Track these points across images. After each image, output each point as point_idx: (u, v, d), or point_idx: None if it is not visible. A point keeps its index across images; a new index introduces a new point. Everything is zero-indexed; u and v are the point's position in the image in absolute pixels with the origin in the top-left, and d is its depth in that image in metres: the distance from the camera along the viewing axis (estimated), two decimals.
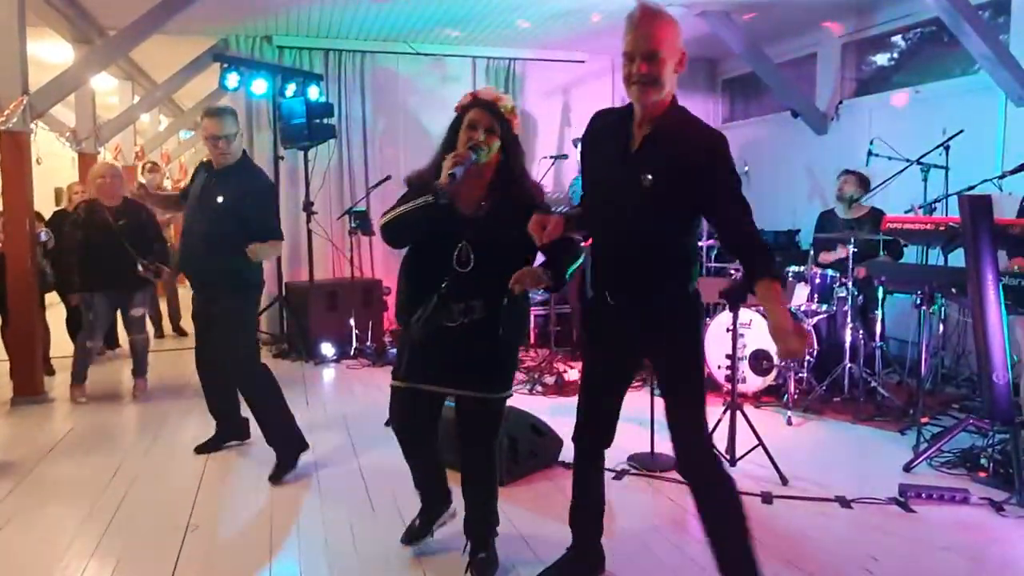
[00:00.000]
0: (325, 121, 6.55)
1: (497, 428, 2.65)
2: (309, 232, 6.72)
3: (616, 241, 2.27)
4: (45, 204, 5.94)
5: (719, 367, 5.09)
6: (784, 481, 3.51)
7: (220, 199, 3.55)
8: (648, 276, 2.22)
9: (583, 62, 8.01)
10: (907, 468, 3.69)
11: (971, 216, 3.51)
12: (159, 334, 7.68)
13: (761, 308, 4.91)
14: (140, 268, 4.96)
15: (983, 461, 3.60)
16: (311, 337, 6.45)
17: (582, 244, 2.62)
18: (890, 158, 5.20)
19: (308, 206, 6.63)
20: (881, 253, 5.01)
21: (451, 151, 2.41)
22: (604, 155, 2.28)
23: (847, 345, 4.75)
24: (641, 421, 3.82)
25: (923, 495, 3.33)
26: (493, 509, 2.71)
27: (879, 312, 4.94)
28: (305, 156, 6.69)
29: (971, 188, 4.32)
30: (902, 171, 5.07)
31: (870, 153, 5.28)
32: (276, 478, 3.57)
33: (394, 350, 5.51)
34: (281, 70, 6.68)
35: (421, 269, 2.52)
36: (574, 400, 5.43)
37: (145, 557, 2.87)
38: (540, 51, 7.80)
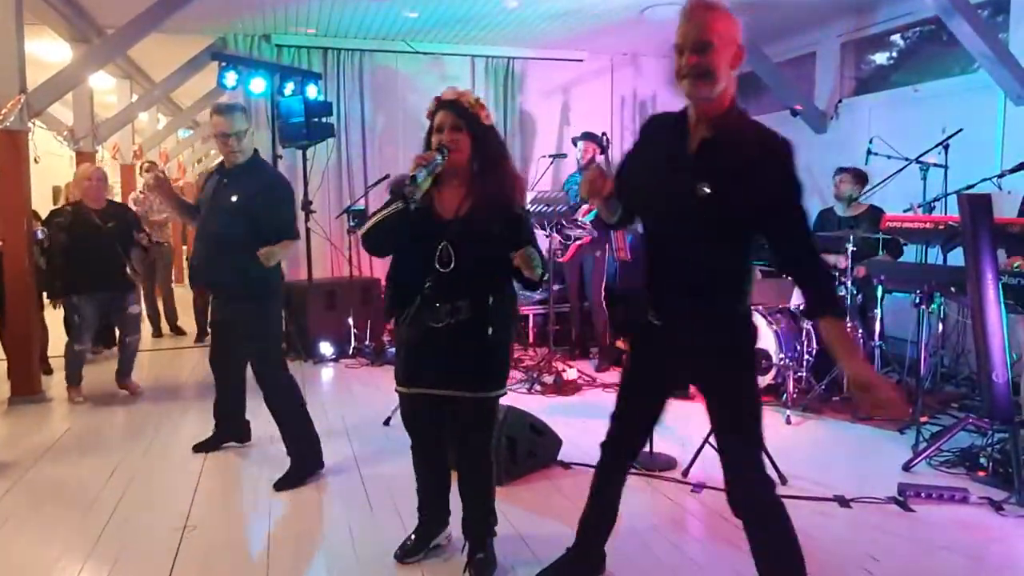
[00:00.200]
0: (324, 120, 6.54)
1: (491, 427, 2.64)
2: (308, 231, 6.71)
3: (665, 252, 2.13)
4: (43, 203, 5.93)
5: None
6: (783, 480, 3.50)
7: (234, 199, 3.44)
8: (697, 291, 2.06)
9: (582, 61, 8.01)
10: (906, 467, 3.69)
11: (970, 215, 3.51)
12: (157, 333, 7.67)
13: (760, 307, 4.92)
14: (129, 270, 4.98)
15: (982, 460, 3.60)
16: (309, 336, 6.44)
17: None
18: (889, 157, 5.19)
19: (307, 205, 6.62)
20: (880, 252, 5.01)
21: None
22: (657, 158, 2.12)
23: None
24: None
25: (922, 494, 3.33)
26: (491, 509, 2.71)
27: (878, 311, 4.94)
28: (304, 155, 6.68)
29: (970, 187, 4.31)
30: (901, 170, 5.07)
31: (869, 152, 5.28)
32: (281, 486, 3.48)
33: (392, 349, 5.50)
34: (280, 69, 6.67)
35: (405, 272, 2.54)
36: (573, 399, 5.46)
37: (142, 558, 2.86)
38: (539, 50, 7.79)
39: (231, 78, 6.29)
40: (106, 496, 3.44)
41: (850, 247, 4.75)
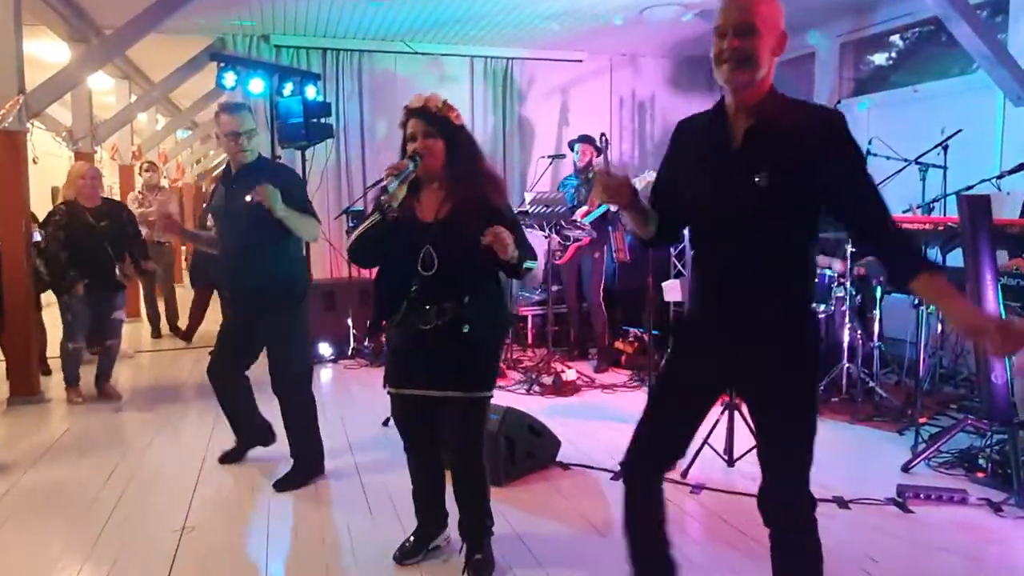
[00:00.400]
0: (322, 120, 6.53)
1: (481, 428, 2.64)
2: None
3: (727, 253, 1.91)
4: (41, 204, 5.92)
5: None
6: None
7: (248, 199, 3.28)
8: (764, 290, 1.88)
9: (581, 61, 8.00)
10: (905, 468, 3.69)
11: (970, 216, 3.51)
12: (156, 334, 7.67)
13: None
14: (119, 271, 4.97)
15: (981, 461, 3.59)
16: (308, 337, 6.42)
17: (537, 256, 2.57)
18: (888, 157, 5.19)
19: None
20: None
21: None
22: (699, 160, 1.96)
23: (845, 345, 4.74)
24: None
25: (921, 495, 3.32)
26: (487, 510, 2.70)
27: (877, 312, 4.94)
28: (302, 156, 6.67)
29: (969, 188, 4.31)
30: (900, 171, 5.06)
31: (868, 153, 5.27)
32: (282, 487, 3.49)
33: None
34: (278, 69, 6.66)
35: (391, 279, 2.56)
36: (571, 400, 5.44)
37: (141, 559, 2.85)
38: (538, 50, 7.79)
39: (230, 79, 6.28)
40: (105, 497, 3.44)
41: (849, 248, 4.74)
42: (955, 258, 4.08)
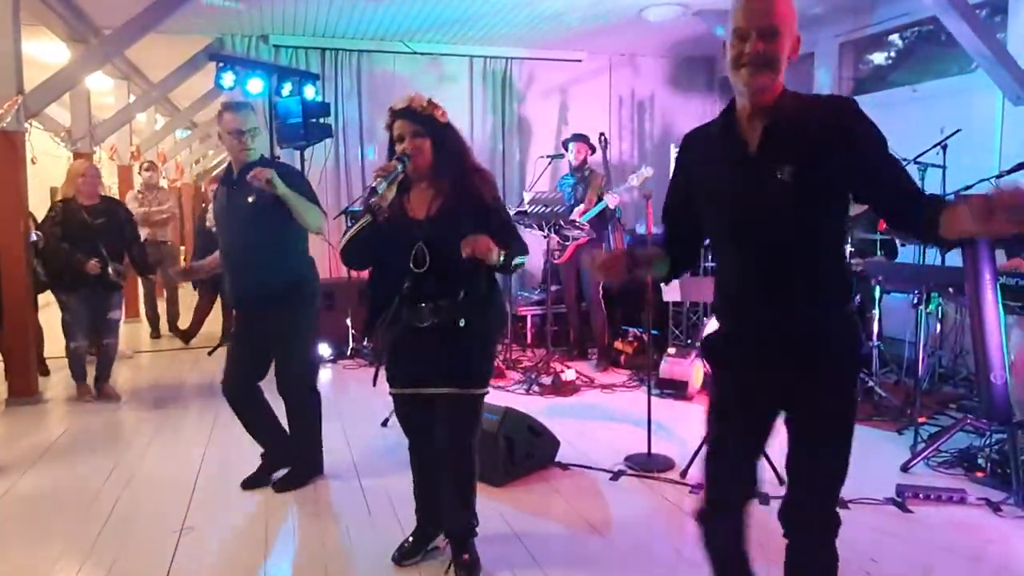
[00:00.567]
0: (321, 121, 6.53)
1: (474, 426, 2.63)
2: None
3: (756, 258, 1.81)
4: (40, 204, 5.91)
5: None
6: (782, 481, 3.47)
7: (251, 199, 3.26)
8: (801, 292, 1.79)
9: (580, 61, 8.00)
10: (904, 468, 3.68)
11: None
12: (156, 335, 7.68)
13: None
14: (111, 272, 4.95)
15: (980, 461, 3.59)
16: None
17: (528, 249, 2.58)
18: None
19: None
20: (878, 252, 5.00)
21: None
22: (716, 169, 1.87)
23: None
24: (637, 421, 3.82)
25: (920, 495, 3.32)
26: (472, 510, 2.70)
27: (876, 311, 4.94)
28: (301, 156, 6.66)
29: (968, 188, 4.31)
30: None
31: None
32: (281, 487, 3.49)
33: None
34: (277, 69, 6.65)
35: (384, 279, 2.57)
36: (571, 400, 5.45)
37: (140, 559, 2.85)
38: (537, 50, 7.79)
39: (228, 78, 6.27)
40: (104, 497, 3.43)
41: (848, 247, 4.74)
42: (954, 257, 4.07)
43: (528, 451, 3.66)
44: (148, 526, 3.14)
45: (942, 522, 3.12)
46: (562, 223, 5.75)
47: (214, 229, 4.01)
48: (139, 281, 7.58)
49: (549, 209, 5.68)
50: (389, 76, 7.53)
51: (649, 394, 3.87)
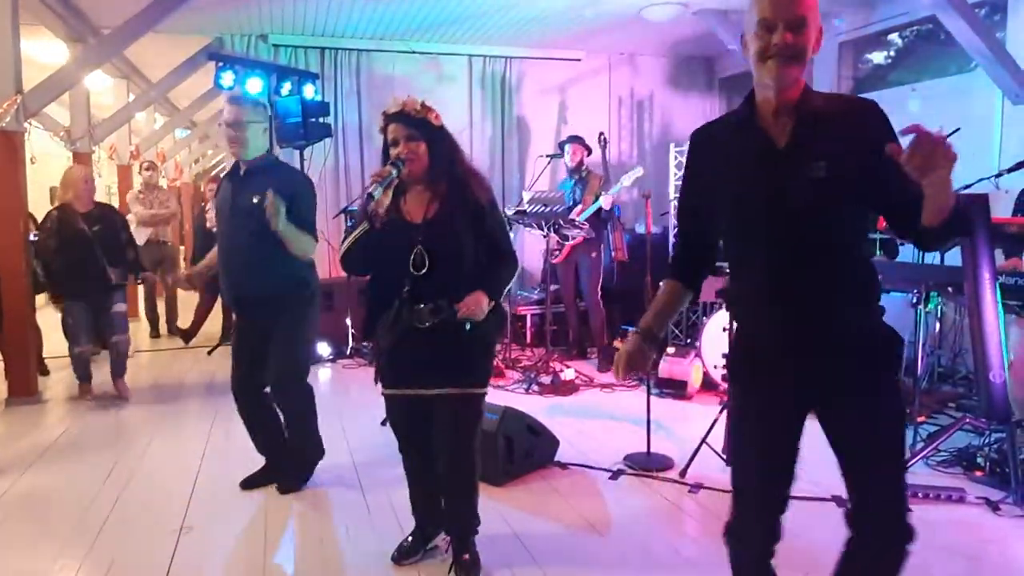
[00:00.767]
0: (321, 120, 6.53)
1: (474, 426, 2.63)
2: None
3: (782, 260, 1.75)
4: (39, 204, 5.91)
5: (715, 367, 5.09)
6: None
7: (255, 199, 3.17)
8: (832, 295, 1.74)
9: (579, 60, 8.00)
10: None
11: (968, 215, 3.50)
12: (155, 334, 7.68)
13: None
14: (114, 277, 4.97)
15: (979, 460, 3.59)
16: (310, 338, 6.42)
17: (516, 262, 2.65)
18: None
19: None
20: (878, 252, 5.00)
21: None
22: (739, 167, 1.79)
23: None
24: (636, 421, 3.82)
25: (919, 494, 3.32)
26: (473, 510, 2.70)
27: None
28: (300, 155, 6.66)
29: (968, 187, 4.31)
30: None
31: None
32: (284, 489, 3.47)
33: None
34: (276, 69, 6.65)
35: (383, 283, 2.57)
36: (570, 399, 5.44)
37: (139, 559, 2.85)
38: (536, 49, 7.79)
39: (228, 78, 6.27)
40: (103, 497, 3.43)
41: None
42: (954, 257, 4.07)
43: (527, 450, 3.66)
44: (147, 526, 3.14)
45: (941, 521, 3.12)
46: (561, 223, 5.75)
47: (215, 230, 3.99)
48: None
49: (548, 209, 5.69)
50: (388, 76, 7.54)
51: (648, 393, 3.87)
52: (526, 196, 6.05)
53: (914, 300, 4.40)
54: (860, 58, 7.04)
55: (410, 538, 2.82)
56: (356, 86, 7.46)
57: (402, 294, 2.49)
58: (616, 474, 3.67)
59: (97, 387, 5.26)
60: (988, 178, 4.38)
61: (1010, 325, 3.56)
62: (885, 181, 1.71)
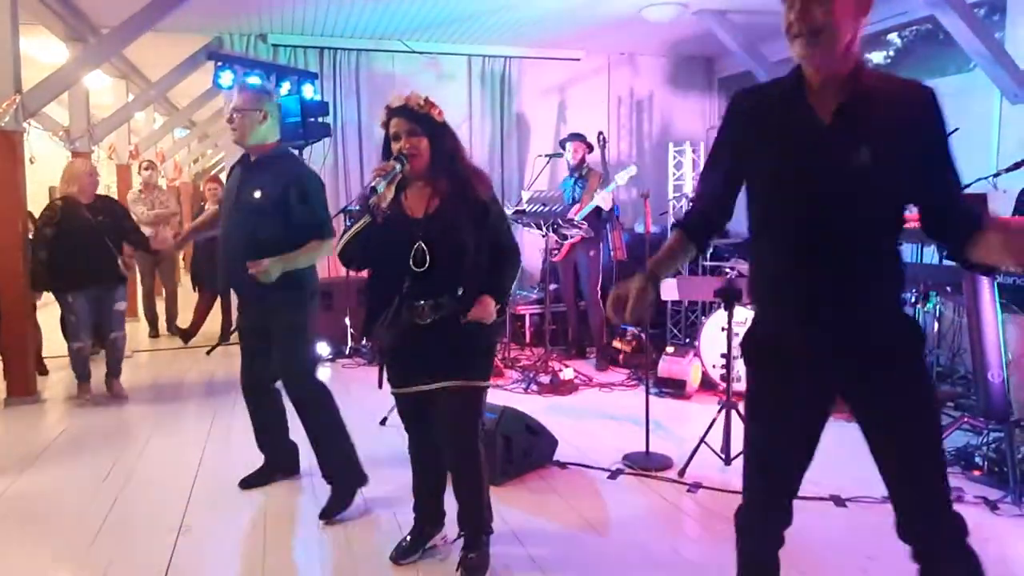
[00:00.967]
0: (320, 120, 6.53)
1: (476, 420, 2.63)
2: None
3: (810, 243, 1.68)
4: (39, 204, 5.90)
5: (714, 366, 5.09)
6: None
7: (257, 194, 3.13)
8: (858, 285, 1.68)
9: (579, 60, 8.00)
10: None
11: None
12: (154, 334, 7.67)
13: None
14: (121, 264, 4.97)
15: (978, 459, 3.60)
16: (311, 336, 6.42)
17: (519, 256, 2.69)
18: None
19: None
20: None
21: None
22: (780, 138, 1.72)
23: None
24: (635, 420, 3.82)
25: None
26: (481, 507, 2.69)
27: None
28: (300, 155, 6.67)
29: (966, 186, 4.30)
30: None
31: None
32: (328, 515, 3.17)
33: None
34: (276, 68, 6.66)
35: (384, 279, 2.57)
36: (569, 399, 5.43)
37: (138, 559, 2.85)
38: (536, 49, 7.79)
39: (227, 78, 6.28)
40: (102, 497, 3.43)
41: None
42: None
43: (526, 450, 3.66)
44: (146, 526, 3.15)
45: None
46: (560, 222, 5.76)
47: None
48: (138, 280, 7.58)
49: (547, 208, 5.69)
50: (388, 75, 7.53)
51: (647, 393, 3.87)
52: (525, 196, 6.05)
53: (913, 299, 4.41)
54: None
55: (408, 538, 2.82)
56: (355, 86, 7.45)
57: (402, 291, 2.49)
58: (615, 473, 3.67)
59: (96, 387, 5.26)
60: (986, 178, 4.38)
61: (1008, 324, 3.56)
62: (928, 177, 1.67)
